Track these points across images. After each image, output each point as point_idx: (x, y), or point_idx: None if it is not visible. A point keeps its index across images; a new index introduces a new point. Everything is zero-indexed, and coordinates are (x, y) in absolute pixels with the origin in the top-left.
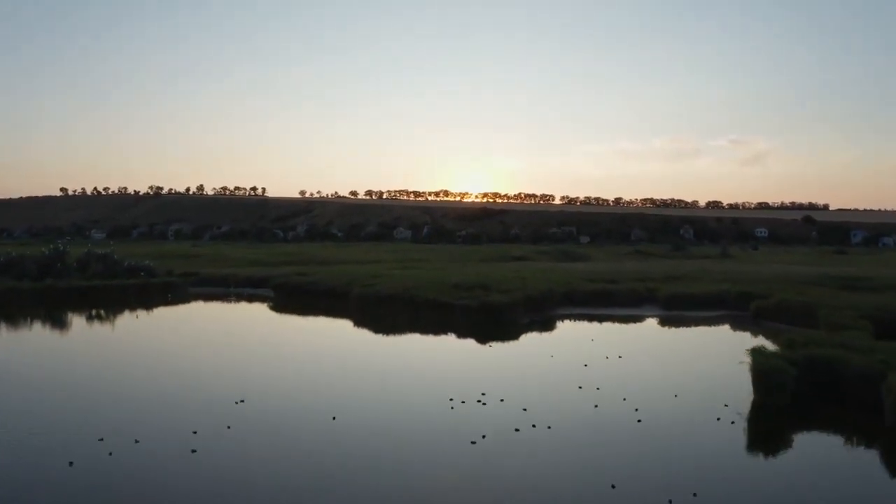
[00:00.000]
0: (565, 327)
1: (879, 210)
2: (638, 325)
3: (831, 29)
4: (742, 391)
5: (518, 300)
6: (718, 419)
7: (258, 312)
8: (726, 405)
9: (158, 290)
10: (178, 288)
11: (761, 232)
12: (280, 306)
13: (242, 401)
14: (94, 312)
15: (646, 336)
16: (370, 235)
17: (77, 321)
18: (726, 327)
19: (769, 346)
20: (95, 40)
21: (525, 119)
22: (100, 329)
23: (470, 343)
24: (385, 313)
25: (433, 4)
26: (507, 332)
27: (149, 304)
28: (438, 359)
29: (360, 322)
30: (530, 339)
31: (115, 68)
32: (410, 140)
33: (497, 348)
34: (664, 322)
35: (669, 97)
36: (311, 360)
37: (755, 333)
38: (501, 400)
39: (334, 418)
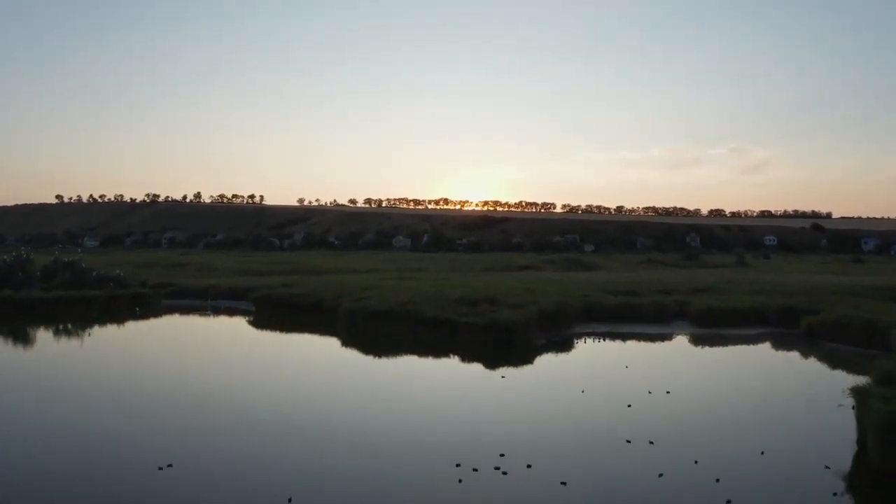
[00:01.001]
0: (589, 350)
1: (884, 218)
2: (671, 345)
3: (830, 37)
4: (840, 444)
5: (531, 317)
6: (835, 494)
7: (231, 330)
8: (827, 467)
9: (126, 303)
10: (149, 300)
11: (770, 240)
12: (259, 322)
13: (170, 465)
14: (42, 329)
15: (687, 362)
16: (368, 244)
17: (14, 340)
18: (776, 349)
19: (855, 377)
20: (94, 48)
21: (524, 128)
22: (38, 350)
23: (478, 371)
24: (377, 332)
25: (432, 14)
26: (521, 356)
27: (110, 319)
28: (440, 396)
29: (347, 342)
30: (550, 367)
31: (115, 75)
32: (410, 149)
33: (511, 379)
34: (699, 341)
35: (668, 106)
36: (267, 410)
37: (816, 357)
38: (528, 466)
39: (289, 501)
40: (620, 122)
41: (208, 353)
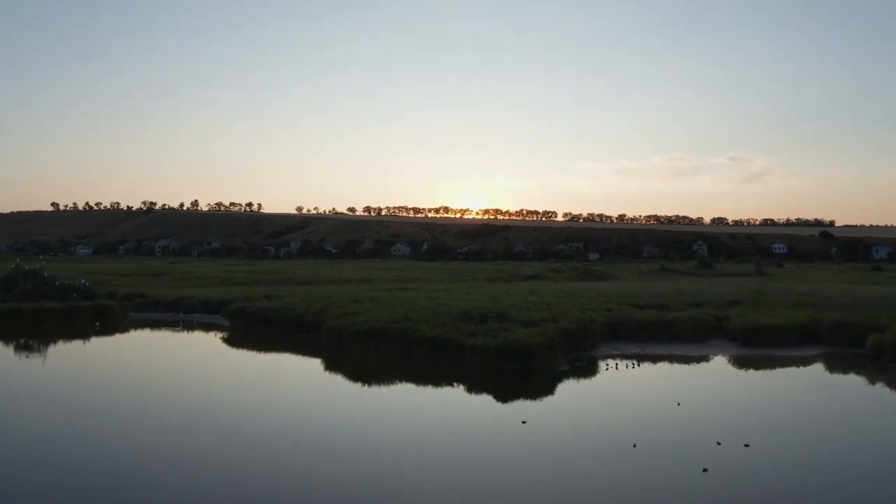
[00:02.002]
0: (622, 379)
1: (888, 226)
2: (717, 371)
3: (829, 47)
4: None
5: (551, 337)
6: None
7: (196, 350)
8: None
9: (88, 316)
10: (113, 314)
11: (779, 248)
12: (232, 340)
13: None
14: None
15: (747, 394)
16: (366, 252)
17: None
18: (845, 374)
19: None
20: (93, 57)
21: (524, 137)
22: None
23: (490, 407)
24: (366, 355)
25: (433, 22)
26: (542, 386)
27: (64, 335)
28: (440, 441)
29: (330, 366)
30: (581, 403)
31: (116, 84)
32: (410, 158)
33: (534, 423)
34: (748, 365)
35: (668, 115)
36: (215, 457)
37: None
38: None
39: None
40: (620, 131)
41: (159, 381)
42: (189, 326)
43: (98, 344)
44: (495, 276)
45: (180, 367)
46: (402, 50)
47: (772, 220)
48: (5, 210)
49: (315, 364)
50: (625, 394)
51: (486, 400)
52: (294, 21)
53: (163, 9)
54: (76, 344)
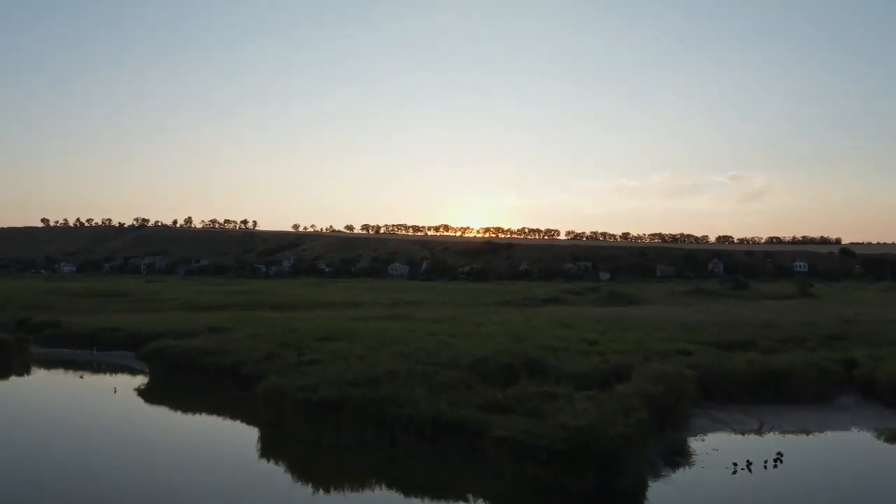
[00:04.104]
0: (764, 485)
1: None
2: (886, 463)
3: (827, 64)
4: None
5: (637, 415)
6: None
7: (79, 409)
8: None
9: None
10: (8, 349)
11: (801, 266)
12: (144, 393)
13: None
14: None
15: None
16: (362, 271)
17: None
18: None
19: None
20: (87, 73)
21: (524, 156)
22: None
23: None
24: (324, 440)
25: (432, 40)
26: None
27: None
28: None
29: (265, 452)
30: None
31: (112, 99)
32: (409, 177)
33: None
34: None
35: (667, 134)
36: None
37: None
38: None
39: None
40: (620, 150)
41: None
42: (100, 368)
43: None
44: (506, 299)
45: (35, 443)
46: (401, 68)
47: (777, 239)
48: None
49: (230, 454)
50: None
51: None
52: (291, 39)
53: (158, 25)
54: None
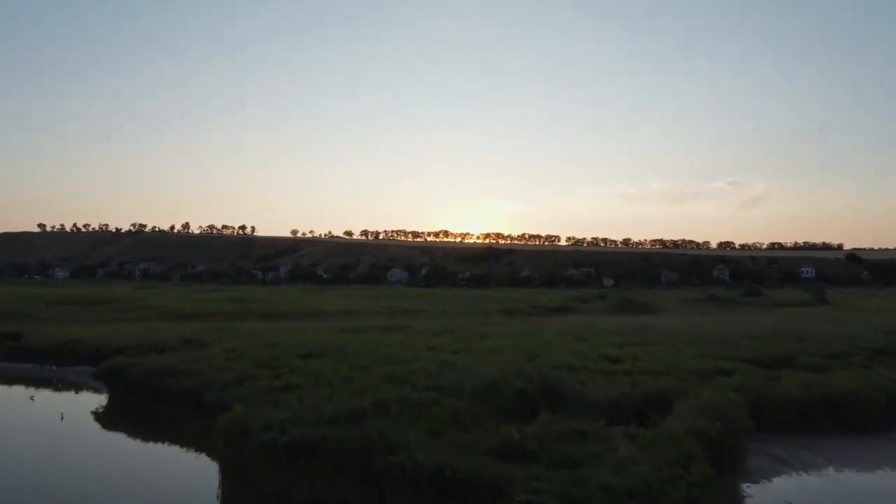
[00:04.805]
0: None
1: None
2: None
3: (826, 70)
4: None
5: (696, 463)
6: None
7: (11, 446)
8: None
9: None
10: None
11: (808, 272)
12: (95, 421)
13: None
14: None
15: None
16: (360, 277)
17: None
18: None
19: None
20: (86, 79)
21: (523, 162)
22: None
23: None
24: (295, 494)
25: (431, 46)
26: None
27: None
28: None
29: None
30: None
31: (113, 104)
32: (409, 182)
33: None
34: None
35: (667, 140)
36: None
37: None
38: None
39: None
40: (620, 157)
41: None
42: (58, 387)
43: None
44: (510, 307)
45: None
46: (400, 73)
47: (779, 244)
48: None
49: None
50: None
51: None
52: (290, 44)
53: (157, 31)
54: None
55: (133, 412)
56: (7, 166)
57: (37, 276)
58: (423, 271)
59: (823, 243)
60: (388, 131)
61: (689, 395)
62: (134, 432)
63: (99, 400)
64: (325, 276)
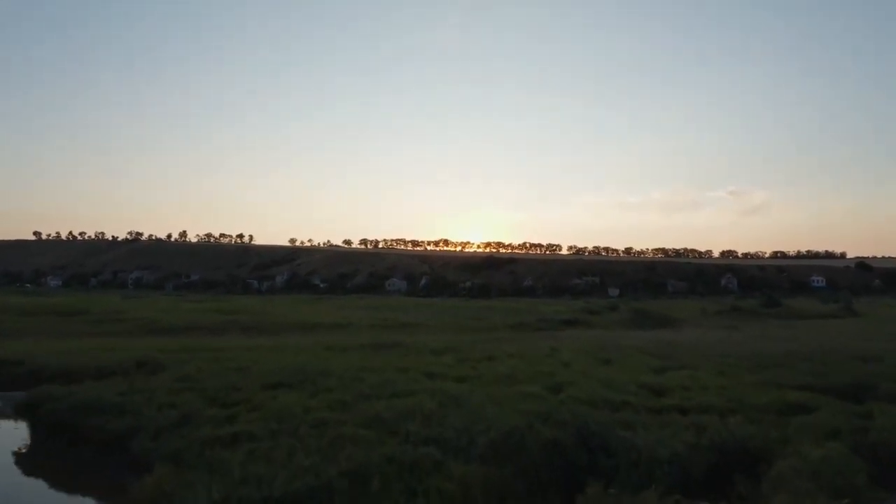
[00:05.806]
0: None
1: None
2: None
3: (826, 79)
4: None
5: None
6: None
7: None
8: None
9: None
10: None
11: (818, 281)
12: (10, 467)
13: None
14: None
15: None
16: (358, 287)
17: None
18: None
19: None
20: (84, 86)
21: (523, 171)
22: None
23: None
24: None
25: (432, 55)
26: None
27: None
28: None
29: None
30: None
31: (110, 112)
32: (408, 192)
33: None
34: None
35: (667, 149)
36: None
37: None
38: None
39: None
40: (620, 166)
41: None
42: None
43: None
44: (516, 320)
45: None
46: (400, 81)
47: (782, 253)
48: None
49: None
50: None
51: None
52: (289, 52)
53: (154, 40)
54: None
55: (54, 458)
56: (3, 174)
57: (28, 285)
58: (423, 281)
59: (827, 252)
60: (387, 140)
61: (773, 444)
62: (52, 486)
63: (22, 438)
64: (321, 285)
